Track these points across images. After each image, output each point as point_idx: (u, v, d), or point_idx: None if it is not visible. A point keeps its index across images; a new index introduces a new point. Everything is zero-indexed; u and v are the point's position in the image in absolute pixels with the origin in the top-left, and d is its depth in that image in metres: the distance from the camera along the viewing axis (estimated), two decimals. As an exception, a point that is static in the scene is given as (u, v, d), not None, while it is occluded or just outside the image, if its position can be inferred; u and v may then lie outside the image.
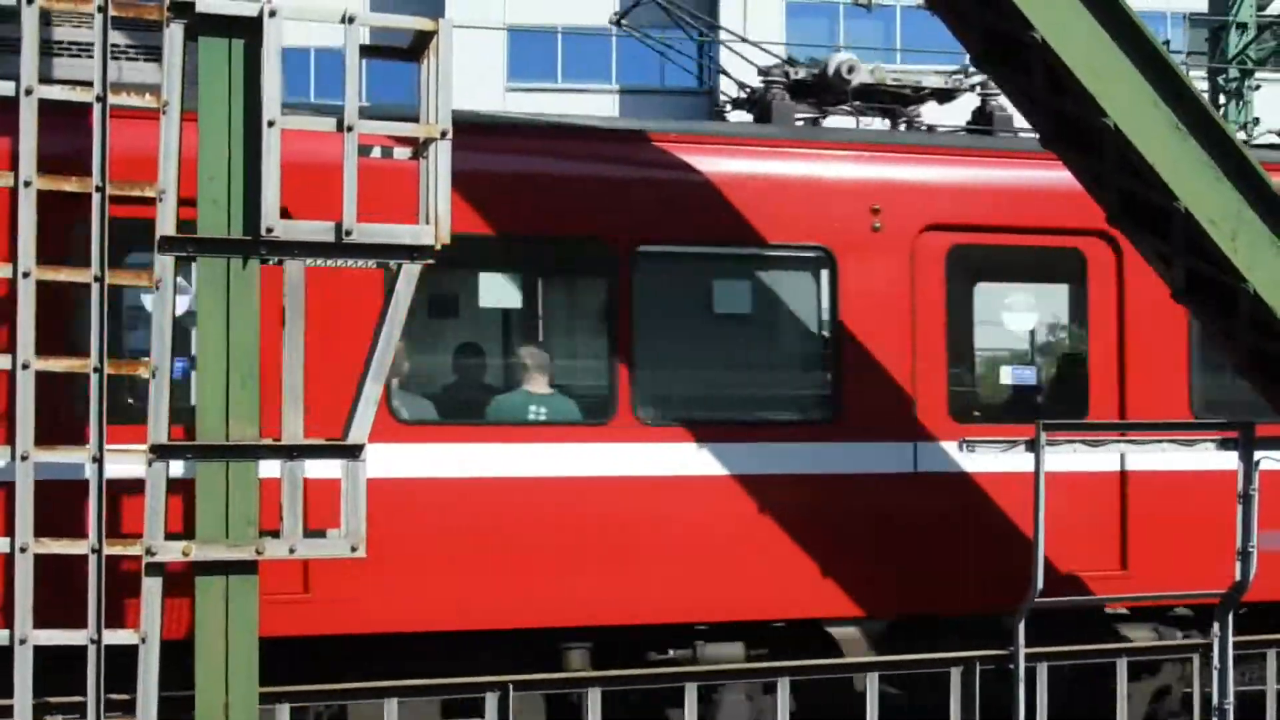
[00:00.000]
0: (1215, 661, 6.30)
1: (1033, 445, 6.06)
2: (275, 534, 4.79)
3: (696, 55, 26.03)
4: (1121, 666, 6.52)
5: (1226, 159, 5.50)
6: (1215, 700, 6.31)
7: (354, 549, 4.85)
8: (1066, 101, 5.57)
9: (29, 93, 4.61)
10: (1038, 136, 6.00)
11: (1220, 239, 5.54)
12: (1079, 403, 6.86)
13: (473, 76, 20.97)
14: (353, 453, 4.85)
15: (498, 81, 24.81)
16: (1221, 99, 16.36)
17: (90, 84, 4.67)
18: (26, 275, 4.60)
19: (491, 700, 5.73)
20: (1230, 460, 6.20)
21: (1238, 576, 6.17)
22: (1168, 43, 13.56)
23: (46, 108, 4.66)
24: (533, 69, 25.50)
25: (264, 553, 4.73)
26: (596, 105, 24.70)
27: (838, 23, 24.84)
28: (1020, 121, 6.61)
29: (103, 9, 4.64)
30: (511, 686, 5.72)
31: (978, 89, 7.70)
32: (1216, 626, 6.29)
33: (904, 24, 23.50)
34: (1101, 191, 5.94)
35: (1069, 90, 5.48)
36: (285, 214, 4.82)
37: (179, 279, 4.77)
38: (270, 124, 4.66)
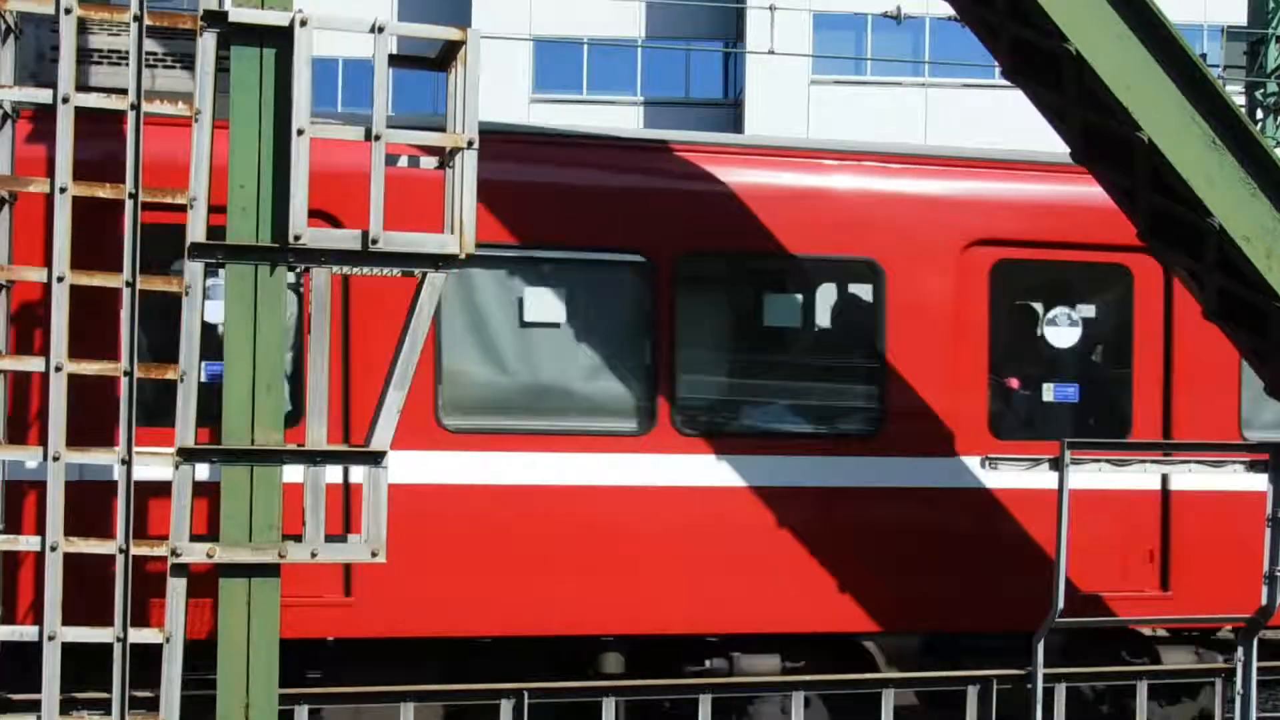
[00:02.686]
0: (1238, 686, 6.32)
1: (1057, 464, 6.13)
2: (299, 538, 4.92)
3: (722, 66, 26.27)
4: (1141, 689, 6.56)
5: (1264, 175, 5.47)
6: (1238, 725, 6.34)
7: (374, 554, 4.97)
8: (1099, 116, 5.61)
9: (65, 100, 4.78)
10: (1069, 152, 6.06)
11: (1255, 257, 5.51)
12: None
13: (498, 87, 21.20)
14: (375, 459, 4.98)
15: (523, 92, 25.05)
16: (1259, 114, 16.33)
17: (125, 92, 4.84)
18: (61, 280, 4.77)
19: (507, 707, 5.83)
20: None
21: (1264, 600, 6.21)
22: (1205, 56, 13.58)
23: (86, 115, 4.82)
24: (558, 80, 25.73)
25: (286, 556, 4.87)
26: (621, 117, 24.89)
27: (866, 35, 24.96)
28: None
29: (138, 18, 4.81)
30: (527, 694, 5.82)
31: None
32: (1240, 651, 6.32)
33: (933, 36, 23.59)
34: (1133, 209, 5.97)
35: (1102, 104, 5.52)
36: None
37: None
38: (300, 132, 4.80)
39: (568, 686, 6.06)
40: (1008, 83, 6.05)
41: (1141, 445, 6.73)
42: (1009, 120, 13.93)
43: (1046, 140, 6.41)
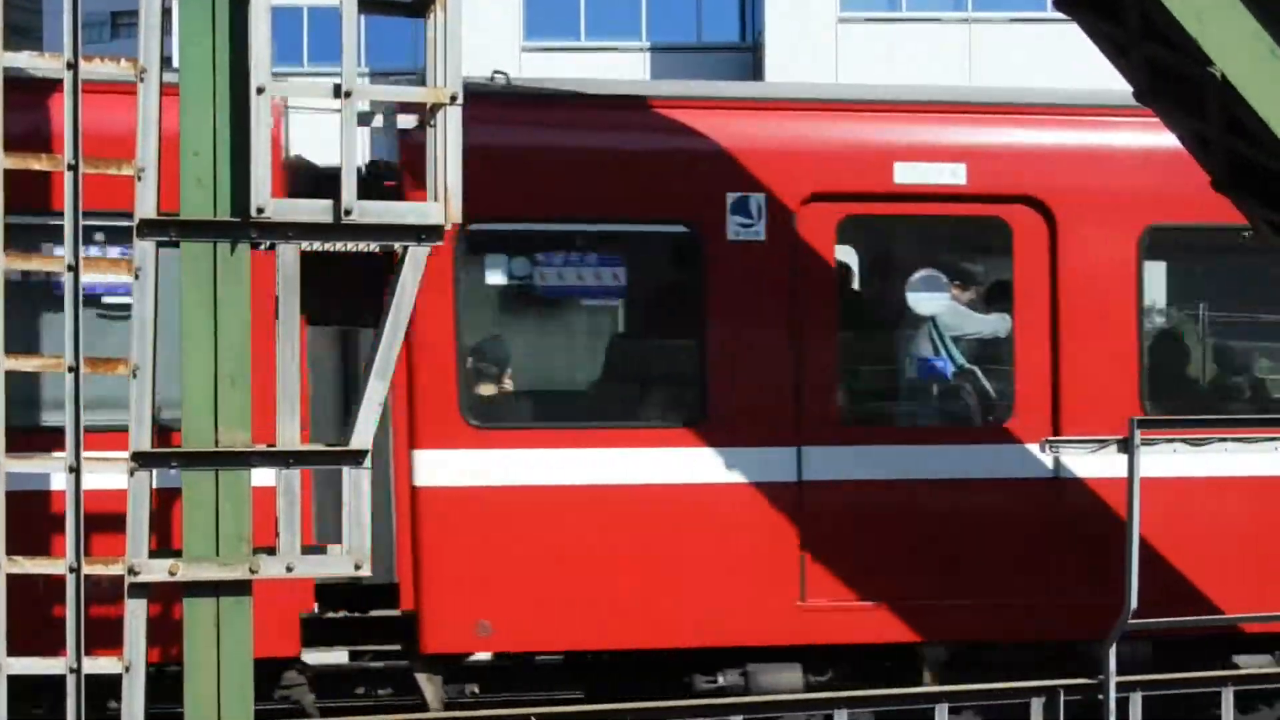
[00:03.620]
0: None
1: (1125, 445, 6.07)
2: (272, 550, 4.88)
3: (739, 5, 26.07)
4: (1227, 696, 6.50)
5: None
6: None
7: (357, 566, 4.92)
8: (1165, 50, 5.53)
9: (-7, 62, 4.72)
10: (1131, 91, 5.96)
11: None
12: None
13: (483, 34, 21.05)
14: (355, 459, 4.93)
15: (512, 41, 24.90)
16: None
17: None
18: (-7, 265, 4.72)
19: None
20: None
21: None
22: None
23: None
24: (551, 25, 25.56)
25: (258, 571, 4.82)
26: (624, 66, 24.72)
27: (899, -35, 24.73)
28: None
29: (72, -34, 4.74)
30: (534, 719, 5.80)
31: None
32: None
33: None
34: (1207, 154, 5.89)
35: (1167, 36, 5.43)
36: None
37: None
38: (259, 91, 4.73)
39: (579, 711, 6.04)
40: (1061, 15, 5.95)
41: (1215, 422, 6.67)
42: (1062, 59, 13.77)
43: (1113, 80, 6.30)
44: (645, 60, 25.71)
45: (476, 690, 6.85)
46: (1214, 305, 7.34)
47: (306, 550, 4.93)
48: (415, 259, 4.96)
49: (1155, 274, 7.10)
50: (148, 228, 4.78)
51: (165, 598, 5.14)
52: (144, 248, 4.77)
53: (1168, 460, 6.29)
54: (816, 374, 6.57)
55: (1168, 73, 5.69)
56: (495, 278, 6.82)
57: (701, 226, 6.60)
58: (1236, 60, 5.36)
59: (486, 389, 6.63)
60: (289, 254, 4.88)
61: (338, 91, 4.86)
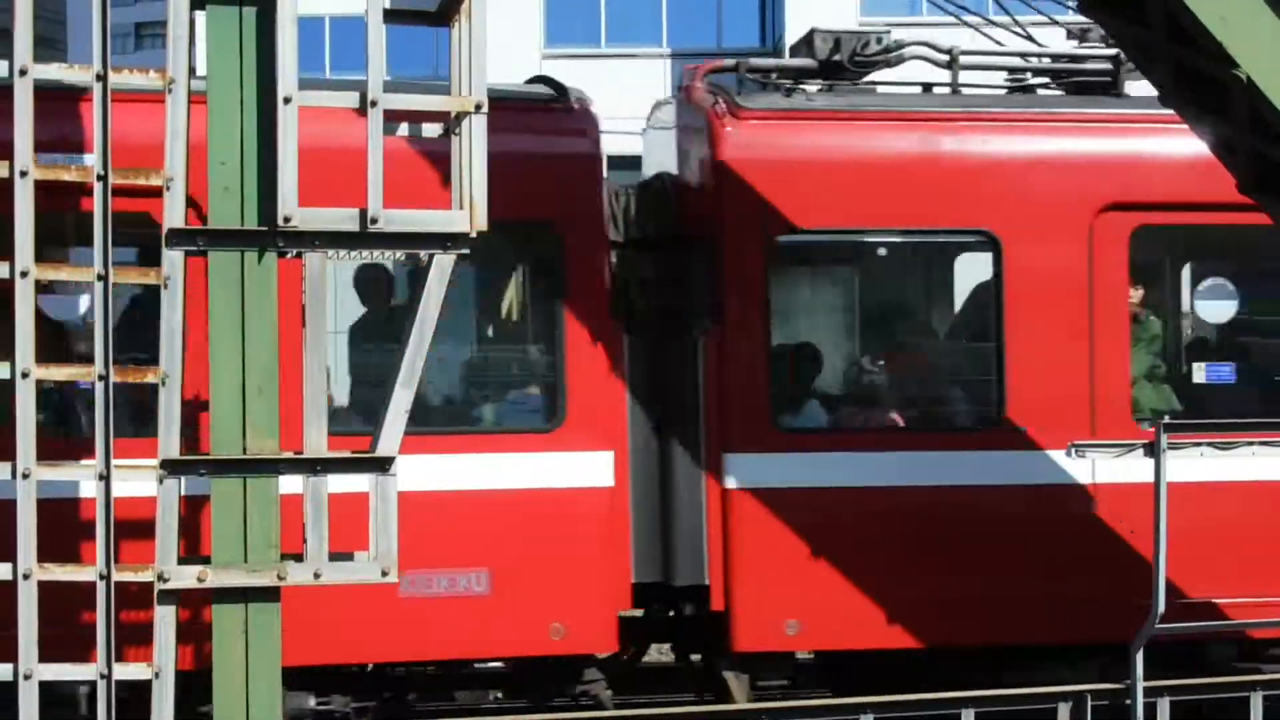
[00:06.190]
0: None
1: (1151, 449, 6.03)
2: (299, 557, 4.90)
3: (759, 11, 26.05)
4: (1256, 701, 6.46)
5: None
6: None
7: (385, 573, 4.93)
8: (1189, 52, 5.50)
9: (23, 73, 4.75)
10: (1156, 94, 5.93)
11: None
12: None
13: (505, 40, 21.11)
14: (382, 466, 4.94)
15: (533, 46, 24.96)
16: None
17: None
18: (25, 275, 4.75)
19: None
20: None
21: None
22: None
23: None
24: (573, 31, 25.61)
25: (286, 578, 4.84)
26: (645, 72, 24.74)
27: (920, -33, 24.65)
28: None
29: (101, -22, 4.77)
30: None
31: None
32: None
33: (997, -32, 23.25)
34: (1232, 157, 5.86)
35: (1193, 39, 5.41)
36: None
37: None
38: (286, 101, 4.75)
39: (597, 717, 6.04)
40: (1086, 20, 5.92)
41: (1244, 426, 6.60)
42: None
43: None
44: (666, 66, 25.72)
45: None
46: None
47: (334, 557, 4.94)
48: (441, 267, 4.97)
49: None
50: (175, 237, 4.81)
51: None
52: (172, 257, 4.80)
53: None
54: None
55: (1192, 75, 5.66)
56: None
57: None
58: (1261, 62, 5.33)
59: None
60: (315, 262, 4.90)
61: (364, 101, 4.89)
